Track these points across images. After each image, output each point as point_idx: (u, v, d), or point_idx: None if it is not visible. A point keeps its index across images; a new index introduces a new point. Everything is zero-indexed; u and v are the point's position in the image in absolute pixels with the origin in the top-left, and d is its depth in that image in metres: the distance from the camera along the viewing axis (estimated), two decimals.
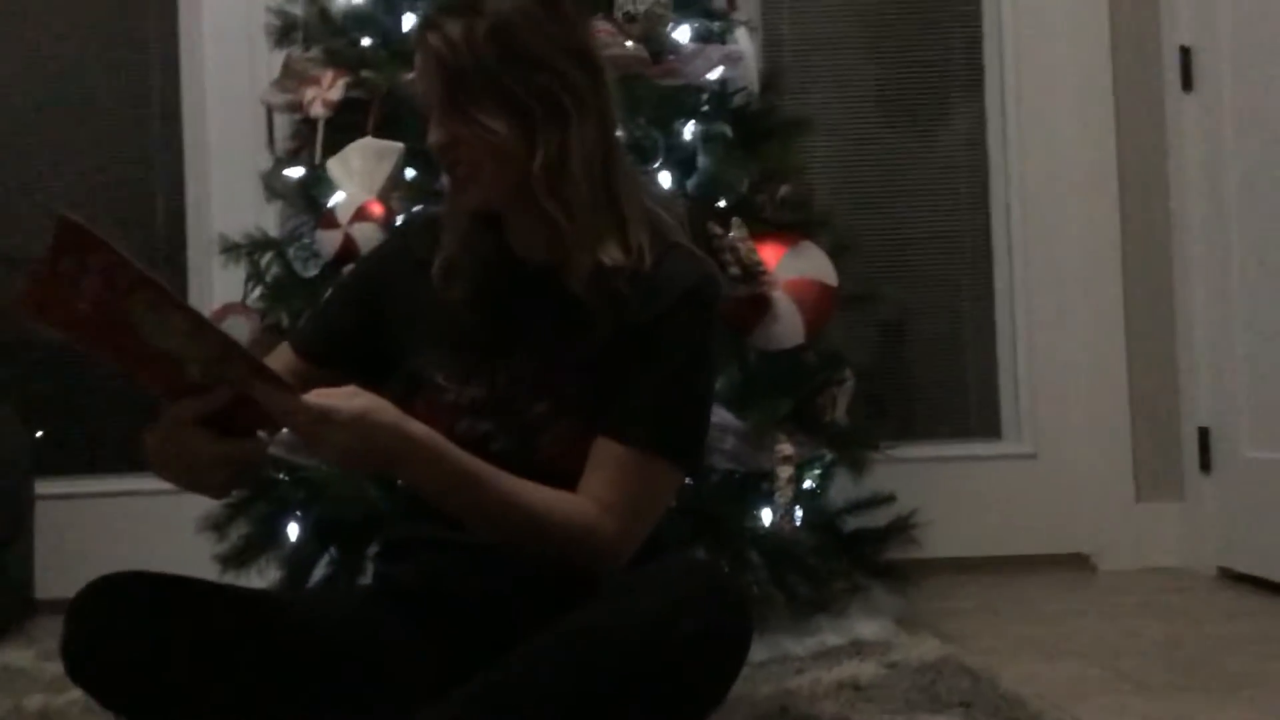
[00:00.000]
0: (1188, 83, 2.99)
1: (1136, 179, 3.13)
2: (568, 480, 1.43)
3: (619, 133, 1.52)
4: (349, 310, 1.60)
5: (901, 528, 2.48)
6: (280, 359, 1.54)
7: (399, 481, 1.61)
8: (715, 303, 1.51)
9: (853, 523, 2.46)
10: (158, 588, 1.39)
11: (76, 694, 1.96)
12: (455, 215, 1.51)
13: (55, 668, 2.16)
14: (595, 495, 1.42)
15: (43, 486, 2.84)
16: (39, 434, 2.97)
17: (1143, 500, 3.11)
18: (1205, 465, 2.98)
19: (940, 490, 2.96)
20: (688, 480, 1.55)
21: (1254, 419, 2.81)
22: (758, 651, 2.08)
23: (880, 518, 2.50)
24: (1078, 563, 3.10)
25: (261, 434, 1.35)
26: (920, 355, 3.32)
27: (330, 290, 1.75)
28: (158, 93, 3.20)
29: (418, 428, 1.35)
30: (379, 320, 1.56)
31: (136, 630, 1.34)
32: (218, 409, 1.29)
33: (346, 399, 1.31)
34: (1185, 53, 2.99)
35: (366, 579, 2.12)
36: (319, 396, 1.30)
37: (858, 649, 2.16)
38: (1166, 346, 3.10)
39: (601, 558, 1.41)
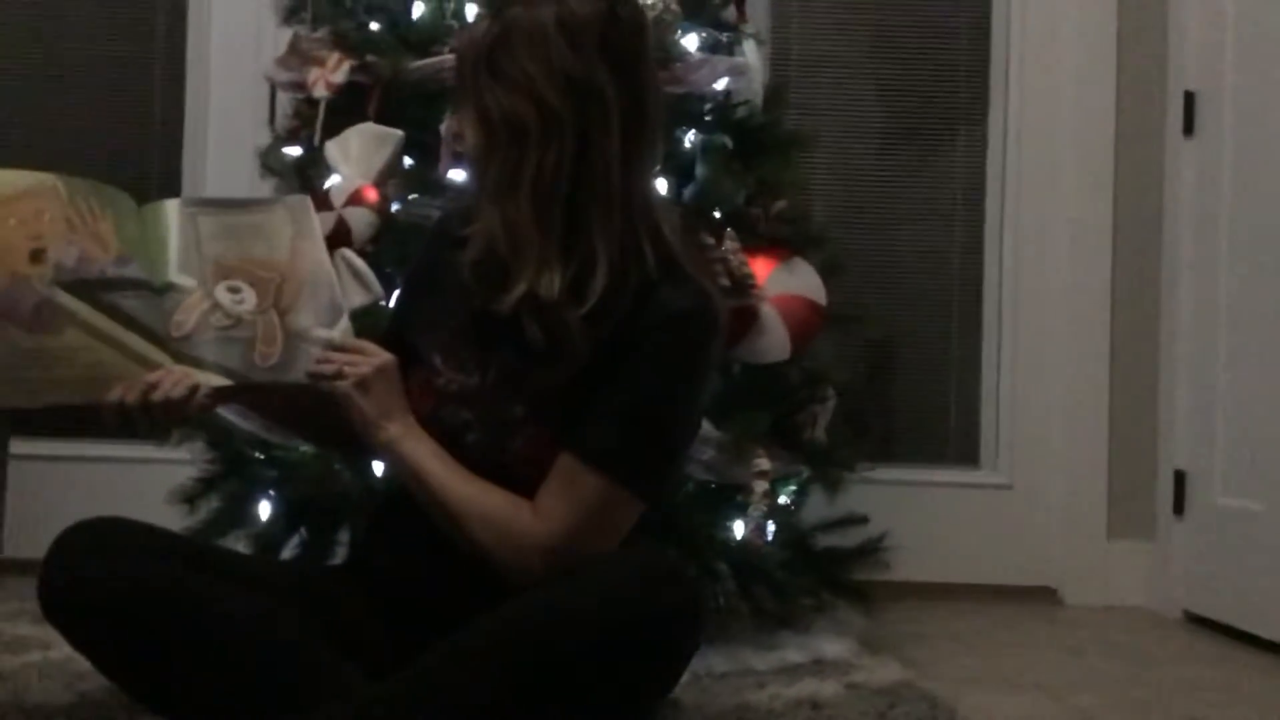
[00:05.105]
0: (1189, 128, 3.00)
1: (1131, 220, 3.15)
2: (534, 486, 1.44)
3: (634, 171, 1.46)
4: (402, 296, 1.69)
5: (872, 549, 2.49)
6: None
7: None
8: (706, 336, 1.47)
9: (824, 541, 2.47)
10: (140, 534, 1.42)
11: (33, 657, 1.97)
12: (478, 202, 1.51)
13: (12, 629, 2.16)
14: (538, 500, 1.42)
15: (18, 447, 2.83)
16: None
17: (1113, 538, 3.12)
18: (1179, 508, 2.98)
19: (913, 514, 2.96)
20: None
21: (1230, 466, 2.82)
22: (718, 663, 2.08)
23: (852, 538, 2.50)
24: (1044, 596, 3.11)
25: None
26: (904, 379, 3.32)
27: None
28: (162, 60, 3.18)
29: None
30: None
31: (116, 570, 1.36)
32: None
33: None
34: (1189, 98, 2.99)
35: (335, 562, 2.13)
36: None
37: (819, 667, 2.16)
38: (1150, 388, 3.11)
39: (526, 559, 1.40)
